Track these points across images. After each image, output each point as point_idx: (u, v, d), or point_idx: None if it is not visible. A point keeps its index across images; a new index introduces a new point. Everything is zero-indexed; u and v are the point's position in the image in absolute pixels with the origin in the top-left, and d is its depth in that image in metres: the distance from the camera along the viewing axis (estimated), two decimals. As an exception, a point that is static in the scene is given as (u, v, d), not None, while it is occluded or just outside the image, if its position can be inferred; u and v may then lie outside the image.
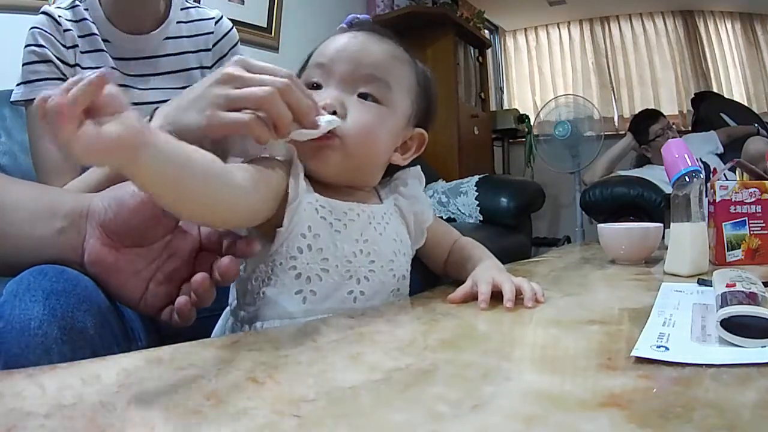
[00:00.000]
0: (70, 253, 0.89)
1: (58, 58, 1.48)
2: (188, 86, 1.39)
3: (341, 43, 1.07)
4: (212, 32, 1.68)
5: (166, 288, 0.93)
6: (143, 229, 0.91)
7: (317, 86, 1.05)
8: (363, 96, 1.04)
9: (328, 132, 0.97)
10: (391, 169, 1.17)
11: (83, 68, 1.50)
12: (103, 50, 1.52)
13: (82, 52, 1.52)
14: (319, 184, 1.04)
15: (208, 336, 1.04)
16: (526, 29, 6.87)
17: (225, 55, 1.70)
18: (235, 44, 1.73)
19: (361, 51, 1.06)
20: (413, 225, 1.17)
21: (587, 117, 5.09)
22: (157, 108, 1.09)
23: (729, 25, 5.90)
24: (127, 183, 0.93)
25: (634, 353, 0.66)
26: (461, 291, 1.04)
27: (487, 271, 1.07)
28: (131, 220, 0.90)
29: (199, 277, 0.88)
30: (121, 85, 1.46)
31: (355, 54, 1.05)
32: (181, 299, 0.89)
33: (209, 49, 1.67)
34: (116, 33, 1.55)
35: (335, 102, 1.01)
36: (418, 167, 1.19)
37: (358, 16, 1.15)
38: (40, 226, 0.89)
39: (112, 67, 1.50)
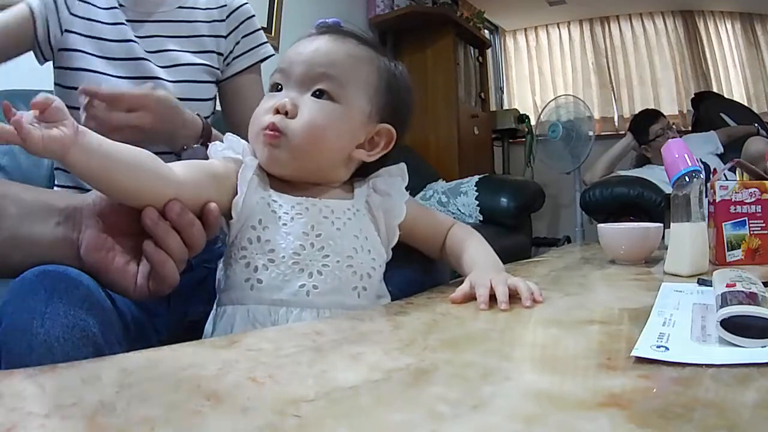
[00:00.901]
0: (67, 247, 0.90)
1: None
2: (200, 51, 1.60)
3: (301, 47, 1.12)
4: (225, 5, 1.67)
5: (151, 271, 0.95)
6: (137, 215, 0.93)
7: (279, 88, 1.11)
8: (317, 94, 1.09)
9: (275, 130, 1.06)
10: (371, 167, 1.19)
11: (103, 23, 1.51)
12: (115, 7, 1.53)
13: (99, 7, 1.52)
14: (281, 181, 1.11)
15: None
16: (526, 29, 6.88)
17: (239, 25, 1.68)
18: (251, 16, 1.72)
19: (316, 52, 1.10)
20: (383, 222, 1.17)
21: (587, 117, 5.09)
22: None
23: (729, 25, 5.91)
24: None
25: (634, 353, 0.66)
26: (461, 292, 1.04)
27: (485, 273, 1.06)
28: (127, 208, 0.92)
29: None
30: (128, 40, 1.51)
31: (310, 55, 1.10)
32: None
33: (223, 20, 1.66)
34: None
35: (287, 103, 1.06)
36: (403, 165, 1.20)
37: (327, 20, 1.19)
38: (38, 225, 0.90)
39: (121, 23, 1.52)
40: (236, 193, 1.04)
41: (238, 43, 1.67)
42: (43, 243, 0.89)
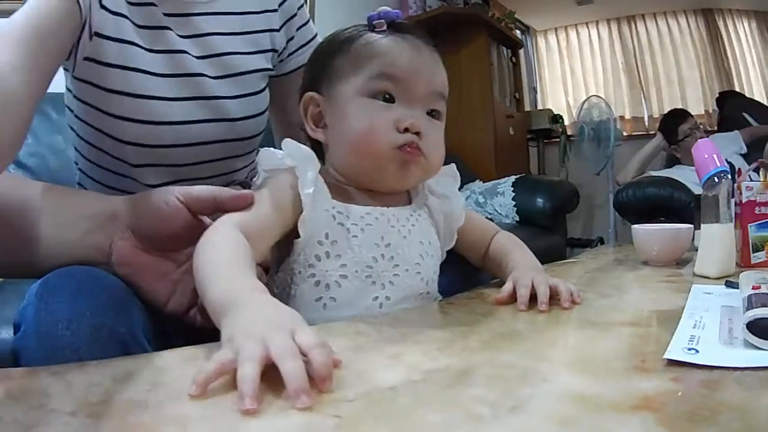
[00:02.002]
0: (96, 254, 0.89)
1: None
2: (256, 51, 1.35)
3: (413, 57, 1.04)
4: None
5: (193, 289, 0.92)
6: (176, 235, 0.92)
7: (390, 98, 1.02)
8: (433, 113, 1.06)
9: (415, 147, 1.00)
10: None
11: (139, 26, 1.17)
12: (153, 4, 1.18)
13: (131, 3, 1.16)
14: (339, 189, 1.05)
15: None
16: (556, 29, 6.87)
17: (294, 16, 1.43)
18: (302, 4, 1.47)
19: (434, 70, 1.06)
20: (443, 226, 1.16)
21: (615, 118, 5.07)
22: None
23: (746, 24, 5.86)
24: (157, 190, 0.94)
25: (667, 356, 0.67)
26: (506, 292, 1.02)
27: (526, 273, 1.05)
28: (166, 227, 0.91)
29: None
30: (175, 51, 1.20)
31: (430, 72, 1.05)
32: None
33: (275, 10, 1.39)
34: None
35: (418, 123, 1.01)
36: (453, 165, 1.17)
37: (389, 11, 1.08)
38: (66, 229, 0.89)
39: (165, 27, 1.19)
40: (301, 210, 0.97)
41: (292, 38, 1.43)
42: (72, 247, 0.89)
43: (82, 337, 0.75)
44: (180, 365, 0.66)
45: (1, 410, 0.52)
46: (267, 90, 1.39)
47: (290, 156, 1.00)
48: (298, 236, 0.98)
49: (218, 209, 0.93)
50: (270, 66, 1.38)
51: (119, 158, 1.20)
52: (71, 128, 1.27)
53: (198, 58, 1.24)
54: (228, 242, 0.84)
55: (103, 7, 1.11)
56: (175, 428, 0.48)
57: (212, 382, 0.55)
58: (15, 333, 0.78)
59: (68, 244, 0.89)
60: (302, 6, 1.46)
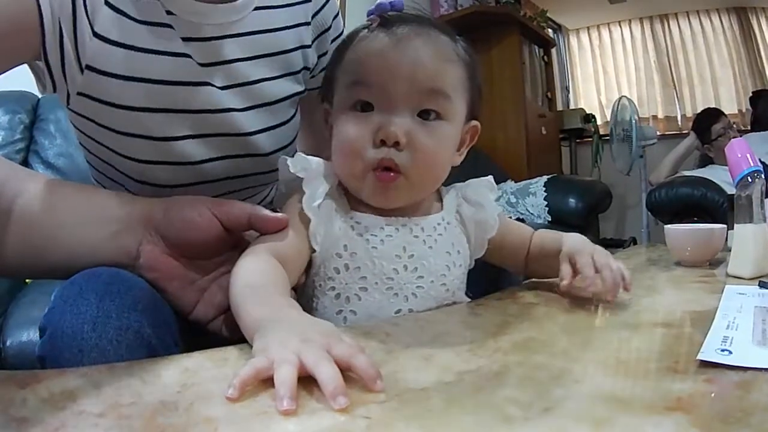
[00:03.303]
0: (123, 256, 0.89)
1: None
2: (288, 74, 1.18)
3: (391, 55, 0.93)
4: (309, 0, 1.22)
5: (220, 299, 0.92)
6: (206, 246, 0.92)
7: (368, 107, 0.94)
8: (424, 114, 0.95)
9: (390, 170, 0.93)
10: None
11: (151, 51, 1.00)
12: (168, 25, 1.01)
13: (139, 21, 0.99)
14: (354, 197, 1.01)
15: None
16: (588, 28, 6.82)
17: (328, 29, 1.27)
18: (337, 14, 1.30)
19: (417, 63, 0.93)
20: (474, 235, 1.10)
21: (647, 118, 5.03)
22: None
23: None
24: (191, 200, 0.93)
25: (700, 357, 0.67)
26: (567, 276, 1.01)
27: (585, 248, 1.03)
28: (196, 238, 0.91)
29: None
30: (197, 84, 1.05)
31: (410, 68, 0.93)
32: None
33: (308, 23, 1.22)
34: (187, 1, 1.02)
35: (399, 132, 0.91)
36: (491, 178, 1.13)
37: (383, 2, 0.98)
38: (93, 230, 0.89)
39: (182, 53, 1.03)
40: (309, 221, 0.93)
41: (325, 53, 1.26)
42: (99, 249, 0.89)
43: (108, 339, 0.75)
44: (210, 367, 0.66)
45: (29, 412, 0.52)
46: (297, 116, 1.24)
47: (300, 169, 0.95)
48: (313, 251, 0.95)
49: (251, 228, 0.92)
50: (302, 88, 1.23)
51: (135, 192, 1.09)
52: (81, 145, 1.16)
53: (223, 88, 1.08)
54: (263, 267, 0.83)
55: (96, 35, 0.96)
56: (206, 430, 0.49)
57: (249, 386, 0.55)
58: (41, 335, 0.78)
59: (95, 245, 0.89)
60: (337, 16, 1.30)
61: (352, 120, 0.94)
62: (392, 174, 0.93)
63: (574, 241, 1.08)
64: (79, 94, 0.99)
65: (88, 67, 0.96)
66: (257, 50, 1.12)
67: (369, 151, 0.93)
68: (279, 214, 0.93)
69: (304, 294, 0.99)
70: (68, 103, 1.01)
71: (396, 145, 0.91)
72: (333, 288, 0.96)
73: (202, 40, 1.05)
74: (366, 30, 1.00)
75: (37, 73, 1.01)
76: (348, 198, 1.01)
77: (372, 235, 0.97)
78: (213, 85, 1.07)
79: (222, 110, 1.08)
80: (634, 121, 4.84)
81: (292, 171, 0.94)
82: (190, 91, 1.04)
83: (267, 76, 1.14)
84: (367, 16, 1.00)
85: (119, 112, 1.00)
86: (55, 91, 0.99)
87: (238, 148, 1.12)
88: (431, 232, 1.02)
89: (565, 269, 1.01)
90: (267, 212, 0.92)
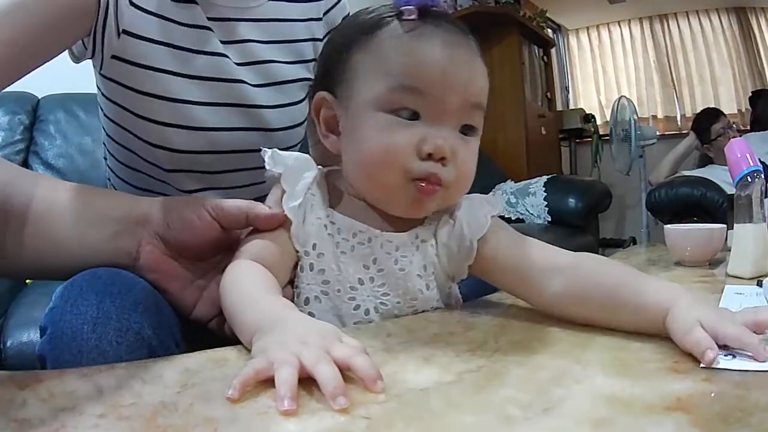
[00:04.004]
0: (123, 257, 0.89)
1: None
2: (298, 61, 1.28)
3: (446, 63, 0.86)
4: None
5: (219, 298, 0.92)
6: (205, 247, 0.92)
7: (413, 115, 0.86)
8: (465, 129, 0.90)
9: (436, 183, 0.86)
10: None
11: (180, 24, 1.12)
12: (192, 2, 1.12)
13: None
14: (345, 198, 0.96)
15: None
16: (588, 28, 6.83)
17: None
18: (348, 14, 1.35)
19: (473, 75, 0.89)
20: (446, 258, 0.97)
21: (647, 118, 5.02)
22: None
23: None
24: (190, 200, 0.93)
25: (704, 364, 0.66)
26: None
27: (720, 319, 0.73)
28: (196, 240, 0.91)
29: None
30: (215, 54, 1.15)
31: (466, 80, 0.88)
32: None
33: (320, 18, 1.31)
34: None
35: (447, 147, 0.85)
36: (498, 196, 1.07)
37: None
38: (92, 231, 0.89)
39: (206, 27, 1.14)
40: (290, 222, 0.90)
41: None
42: (98, 250, 0.89)
43: (108, 340, 0.75)
44: (210, 367, 0.66)
45: (29, 412, 0.52)
46: (306, 100, 1.28)
47: (277, 165, 0.91)
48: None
49: (249, 226, 0.92)
50: (310, 76, 1.28)
51: (151, 162, 1.19)
52: (103, 128, 1.26)
53: (238, 64, 1.18)
54: (250, 274, 0.82)
55: (133, 4, 1.06)
56: (206, 430, 0.49)
57: (249, 387, 0.56)
58: (41, 335, 0.78)
59: (94, 246, 0.89)
60: (347, 17, 1.32)
61: (394, 127, 0.86)
62: (436, 187, 0.87)
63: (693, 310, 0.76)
64: (113, 57, 1.08)
65: (125, 32, 1.07)
66: (271, 36, 1.24)
67: (413, 163, 0.85)
68: (275, 211, 0.91)
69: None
70: (101, 68, 1.12)
71: (442, 159, 0.85)
72: (296, 286, 0.92)
73: (222, 20, 1.17)
74: (393, 19, 0.90)
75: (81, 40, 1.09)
76: (331, 194, 0.96)
77: (343, 238, 0.92)
78: (230, 59, 1.17)
79: (236, 81, 1.18)
80: (633, 121, 4.84)
81: (268, 167, 0.91)
82: (210, 60, 1.15)
83: (279, 59, 1.25)
84: (397, 4, 0.89)
85: (144, 73, 1.10)
86: (93, 55, 1.10)
87: (247, 121, 1.20)
88: (406, 253, 0.94)
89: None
90: (263, 209, 0.91)
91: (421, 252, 0.95)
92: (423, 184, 0.86)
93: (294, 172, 0.92)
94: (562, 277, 0.89)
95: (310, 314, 0.89)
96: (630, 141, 4.87)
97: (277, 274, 0.86)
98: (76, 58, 1.13)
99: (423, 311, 0.96)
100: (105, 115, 1.21)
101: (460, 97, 0.87)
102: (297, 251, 0.91)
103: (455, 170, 0.88)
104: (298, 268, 0.92)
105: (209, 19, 1.14)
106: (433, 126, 0.86)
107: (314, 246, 0.91)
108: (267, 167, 0.91)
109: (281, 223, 0.90)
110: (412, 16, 0.88)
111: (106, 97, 1.16)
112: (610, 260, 0.97)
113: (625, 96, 5.18)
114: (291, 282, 0.93)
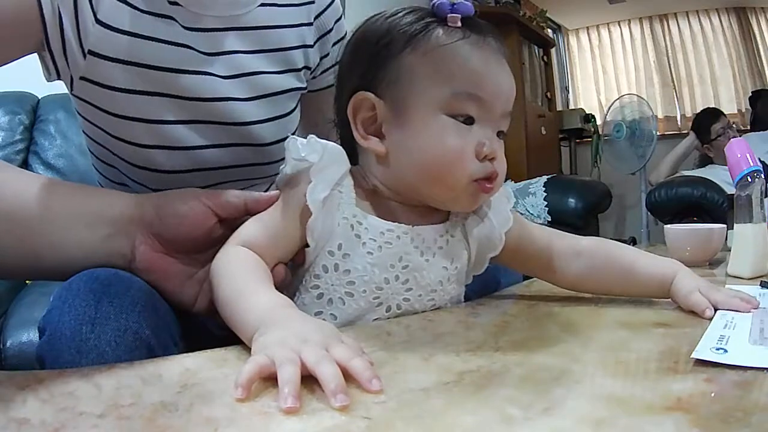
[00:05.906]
0: (118, 259, 0.89)
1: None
2: (289, 70, 1.20)
3: (498, 75, 0.92)
4: (313, 1, 1.24)
5: None
6: (202, 239, 0.92)
7: (469, 119, 0.89)
8: (500, 133, 0.94)
9: (492, 180, 0.91)
10: None
11: (155, 40, 1.03)
12: (169, 17, 1.04)
13: (142, 11, 1.02)
14: (373, 198, 0.96)
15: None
16: (588, 28, 6.84)
17: (330, 31, 1.28)
18: (340, 17, 1.31)
19: (511, 86, 0.95)
20: (475, 252, 1.03)
21: (650, 117, 5.02)
22: None
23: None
24: (183, 193, 0.93)
25: (694, 355, 0.67)
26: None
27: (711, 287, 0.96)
28: (192, 232, 0.91)
29: None
30: (198, 73, 1.07)
31: (508, 91, 0.94)
32: None
33: (310, 23, 1.24)
34: None
35: (494, 148, 0.90)
36: (509, 188, 1.12)
37: (464, 2, 0.94)
38: (87, 233, 0.88)
39: (183, 44, 1.05)
40: (310, 214, 0.88)
41: (326, 54, 1.28)
42: (93, 252, 0.88)
43: (107, 341, 0.75)
44: (210, 367, 0.66)
45: (29, 412, 0.52)
46: (297, 109, 1.25)
47: (312, 152, 0.89)
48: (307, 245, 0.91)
49: (248, 214, 0.92)
50: (302, 84, 1.24)
51: (137, 180, 1.13)
52: (85, 143, 1.20)
53: (225, 78, 1.10)
54: (239, 263, 0.83)
55: (99, 22, 0.99)
56: (206, 430, 0.48)
57: (253, 384, 0.56)
58: (40, 336, 0.78)
59: (89, 248, 0.88)
60: (339, 19, 1.31)
61: (456, 131, 0.89)
62: (494, 184, 0.92)
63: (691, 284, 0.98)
64: (81, 78, 1.01)
65: (91, 53, 0.99)
66: (259, 45, 1.15)
67: (473, 164, 0.89)
68: (271, 192, 0.92)
69: (290, 288, 0.94)
70: (72, 89, 1.04)
71: (493, 160, 0.91)
72: (317, 287, 0.91)
73: (204, 30, 1.08)
74: (437, 25, 0.92)
75: (44, 60, 1.01)
76: (358, 193, 0.94)
77: (370, 238, 0.91)
78: (215, 75, 1.09)
79: (222, 99, 1.10)
80: (652, 119, 4.86)
81: (302, 154, 0.89)
82: (192, 79, 1.06)
83: (268, 70, 1.16)
84: (440, 11, 0.92)
85: (118, 96, 1.02)
86: (59, 77, 1.03)
87: (236, 137, 1.13)
88: (431, 244, 0.96)
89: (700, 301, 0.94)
90: (260, 193, 0.92)
91: (451, 246, 0.99)
92: (487, 184, 0.91)
93: (327, 164, 0.90)
94: (583, 259, 1.06)
95: (332, 315, 0.90)
96: (634, 140, 4.88)
97: (271, 256, 0.88)
98: (49, 76, 1.04)
99: (438, 308, 0.99)
100: (84, 132, 1.16)
101: (503, 105, 0.92)
102: (308, 245, 0.90)
103: (501, 170, 0.92)
104: (321, 268, 0.91)
105: (192, 29, 1.06)
106: (486, 130, 0.90)
107: (340, 246, 0.91)
108: (301, 153, 0.89)
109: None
110: (456, 23, 0.92)
111: (83, 116, 1.10)
112: (619, 243, 1.11)
113: (630, 94, 5.19)
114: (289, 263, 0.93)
